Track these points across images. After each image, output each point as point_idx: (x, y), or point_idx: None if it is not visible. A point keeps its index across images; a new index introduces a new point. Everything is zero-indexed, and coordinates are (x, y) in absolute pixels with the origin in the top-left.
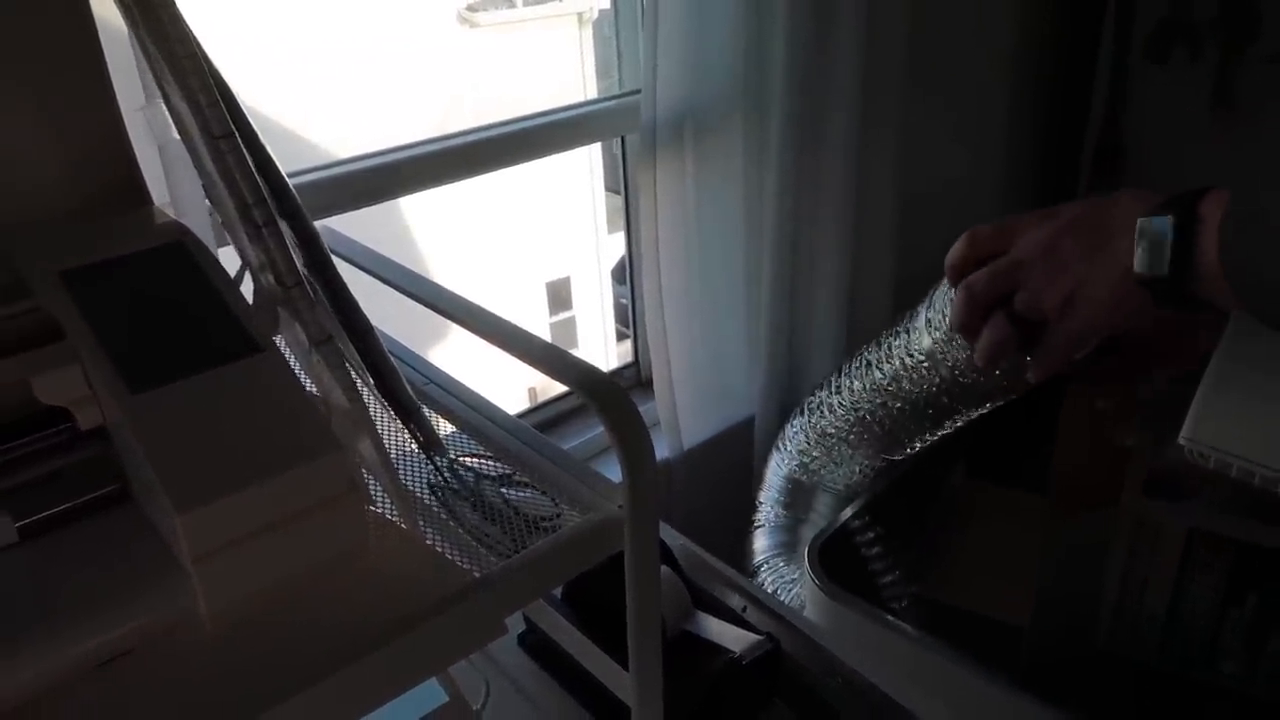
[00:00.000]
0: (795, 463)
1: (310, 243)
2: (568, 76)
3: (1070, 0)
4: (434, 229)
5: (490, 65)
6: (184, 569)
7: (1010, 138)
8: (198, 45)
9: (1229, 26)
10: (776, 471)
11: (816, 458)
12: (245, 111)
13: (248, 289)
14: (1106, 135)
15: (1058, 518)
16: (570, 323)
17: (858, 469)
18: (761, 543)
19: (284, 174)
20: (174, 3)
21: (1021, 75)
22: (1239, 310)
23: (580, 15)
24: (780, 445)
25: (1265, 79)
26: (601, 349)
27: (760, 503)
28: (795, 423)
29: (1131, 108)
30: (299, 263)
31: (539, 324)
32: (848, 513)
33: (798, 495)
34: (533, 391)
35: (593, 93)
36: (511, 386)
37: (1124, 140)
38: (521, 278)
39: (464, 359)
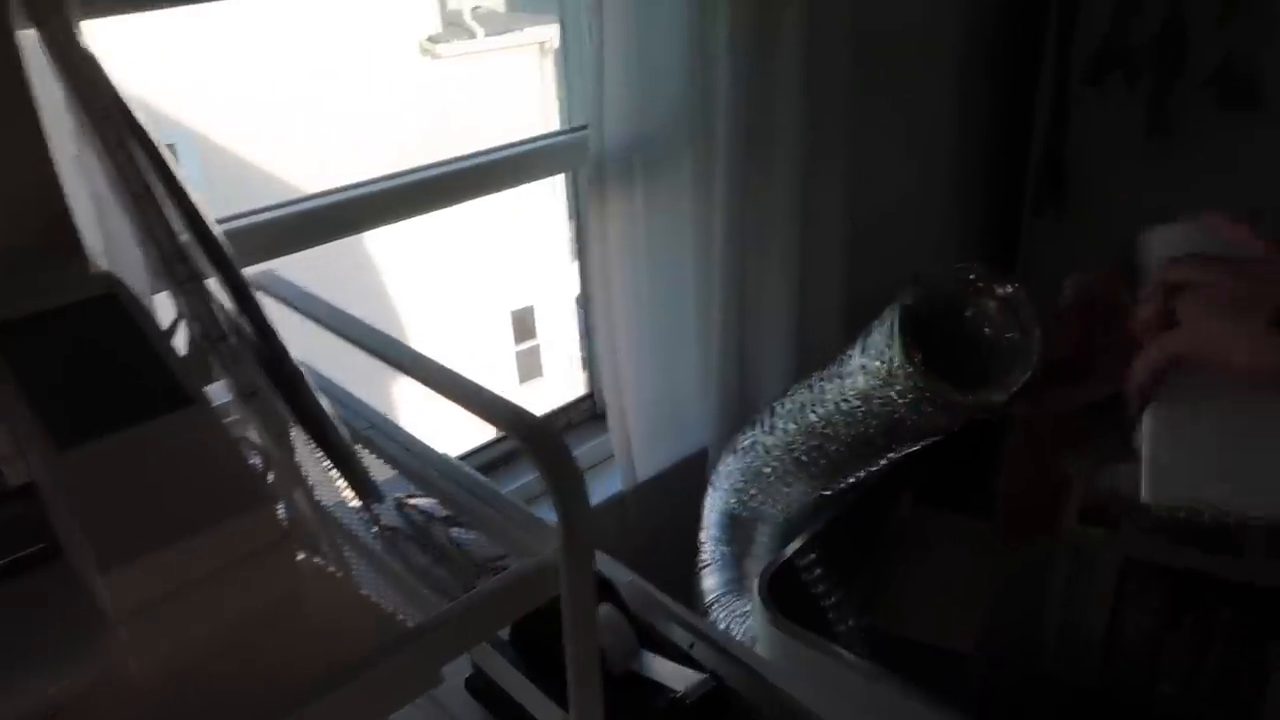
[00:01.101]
0: (732, 499)
1: (239, 292)
2: (530, 105)
3: (1013, 26)
4: (398, 260)
5: (453, 96)
6: (112, 626)
7: (956, 164)
8: (117, 99)
9: (1162, 52)
10: (713, 509)
11: (754, 495)
12: (170, 163)
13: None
14: (1049, 159)
15: (1002, 545)
16: (535, 351)
17: (795, 503)
18: (710, 581)
19: (211, 223)
20: (94, 58)
21: (966, 101)
22: None
23: (541, 45)
24: (714, 483)
25: (1197, 104)
26: (566, 377)
27: (702, 542)
28: (728, 460)
29: (1073, 131)
30: (232, 311)
31: (504, 353)
32: (797, 544)
33: (737, 530)
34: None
35: (555, 121)
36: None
37: (1066, 163)
38: (486, 307)
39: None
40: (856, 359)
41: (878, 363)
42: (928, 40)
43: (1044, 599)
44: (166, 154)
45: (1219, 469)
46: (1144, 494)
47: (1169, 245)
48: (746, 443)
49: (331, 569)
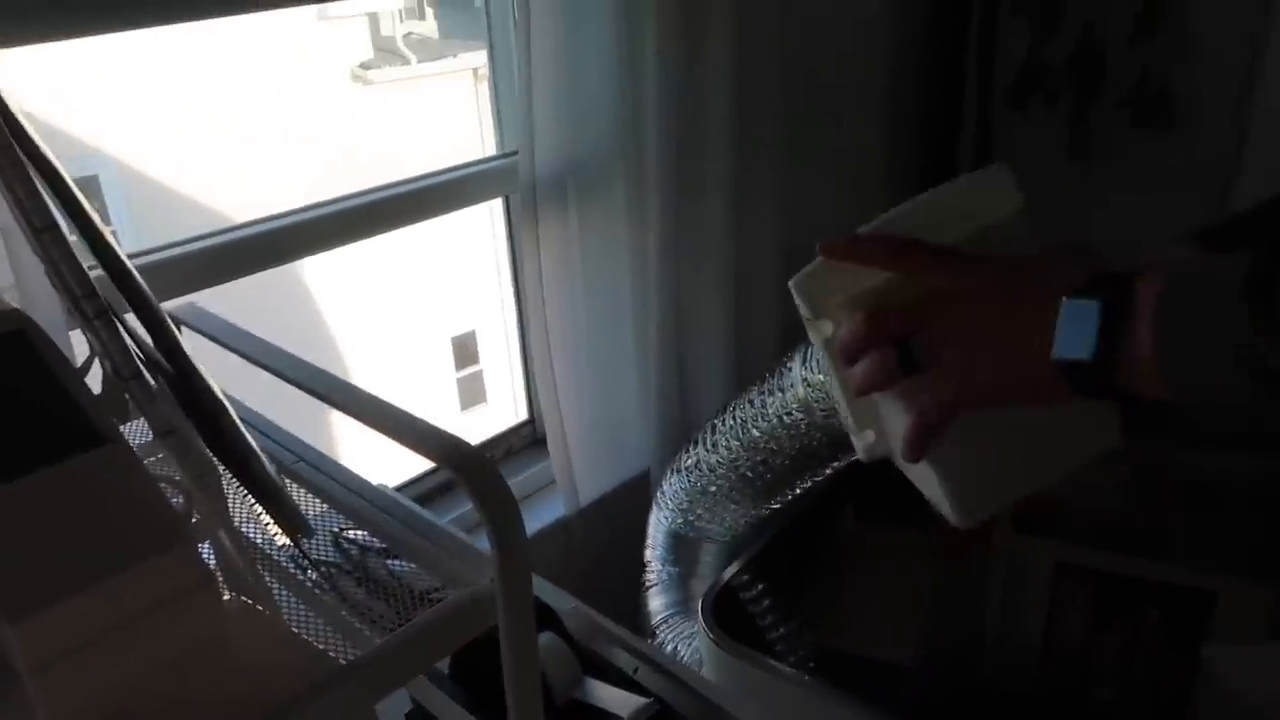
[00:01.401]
0: (678, 519)
1: (157, 328)
2: (467, 131)
3: (938, 47)
4: (335, 290)
5: (387, 122)
6: (24, 681)
7: (886, 182)
8: (20, 130)
9: (1079, 73)
10: (658, 528)
11: (700, 514)
12: (79, 196)
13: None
14: None
15: (939, 556)
16: (478, 377)
17: (742, 520)
18: (657, 602)
19: (124, 257)
20: None
21: (894, 120)
22: None
23: (475, 70)
24: (659, 503)
25: (1115, 123)
26: (510, 402)
27: (648, 563)
28: (672, 480)
29: (997, 154)
30: (149, 348)
31: (446, 380)
32: (739, 563)
33: (682, 550)
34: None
35: (491, 147)
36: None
37: None
38: (427, 334)
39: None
40: (797, 370)
41: (821, 375)
42: (856, 59)
43: (981, 608)
44: (74, 187)
45: (1007, 466)
46: (954, 522)
47: (819, 285)
48: (690, 462)
49: (260, 608)
